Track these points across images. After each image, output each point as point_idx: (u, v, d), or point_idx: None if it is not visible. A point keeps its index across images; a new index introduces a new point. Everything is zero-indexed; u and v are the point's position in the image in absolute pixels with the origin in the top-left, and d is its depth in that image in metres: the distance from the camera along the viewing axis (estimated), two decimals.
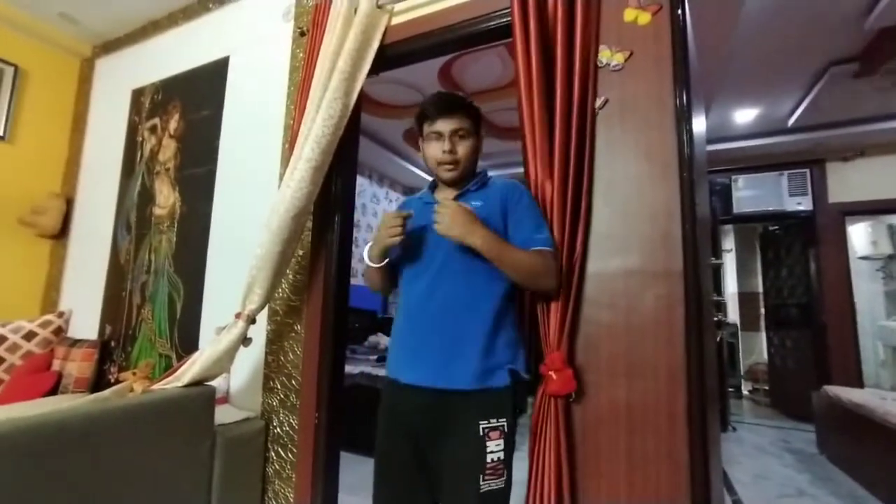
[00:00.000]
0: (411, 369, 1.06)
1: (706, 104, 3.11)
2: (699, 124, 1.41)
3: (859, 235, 4.34)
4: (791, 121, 3.58)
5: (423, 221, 1.12)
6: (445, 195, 1.17)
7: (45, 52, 2.68)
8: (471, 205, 1.09)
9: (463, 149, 1.13)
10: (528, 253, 1.04)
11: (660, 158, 1.19)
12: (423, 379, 1.03)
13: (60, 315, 2.43)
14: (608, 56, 1.29)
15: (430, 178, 1.25)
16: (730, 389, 4.72)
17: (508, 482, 0.99)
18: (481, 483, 0.94)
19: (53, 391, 2.12)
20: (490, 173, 1.20)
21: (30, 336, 2.27)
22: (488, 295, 1.05)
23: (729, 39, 2.40)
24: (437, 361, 1.02)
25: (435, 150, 1.13)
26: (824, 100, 3.16)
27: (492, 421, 0.98)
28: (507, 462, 0.98)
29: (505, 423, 0.99)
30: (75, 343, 2.26)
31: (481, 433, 0.96)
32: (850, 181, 3.96)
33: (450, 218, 1.00)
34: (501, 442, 0.98)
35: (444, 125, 1.12)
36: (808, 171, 4.09)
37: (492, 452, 0.96)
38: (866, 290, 4.28)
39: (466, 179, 1.17)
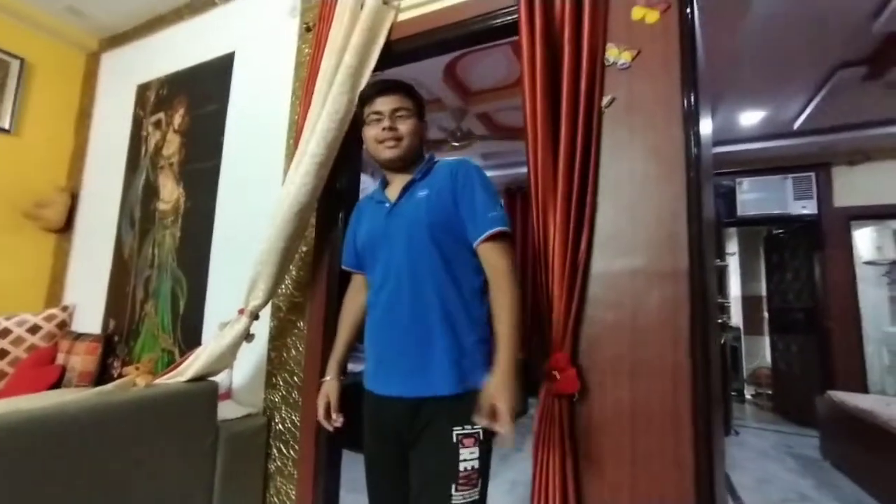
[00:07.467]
0: (383, 382, 1.03)
1: (712, 106, 3.09)
2: (706, 125, 1.40)
3: (864, 240, 4.31)
4: (797, 124, 3.56)
5: (377, 223, 1.09)
6: (394, 187, 1.11)
7: (51, 46, 2.69)
8: (417, 195, 1.05)
9: (405, 126, 1.08)
10: (506, 303, 0.94)
11: (667, 158, 1.19)
12: (395, 390, 1.00)
13: (64, 309, 2.44)
14: (615, 54, 1.28)
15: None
16: (732, 393, 4.70)
17: (483, 492, 0.93)
18: (453, 493, 0.89)
19: (57, 384, 2.13)
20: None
21: (34, 329, 2.28)
22: (453, 295, 0.99)
23: (736, 41, 2.39)
24: (406, 371, 0.99)
25: (375, 130, 1.08)
26: (831, 103, 3.14)
27: (466, 427, 0.92)
28: (482, 471, 0.92)
29: (480, 430, 0.92)
30: (79, 337, 2.26)
31: (455, 440, 0.91)
32: (855, 185, 3.94)
33: (508, 429, 0.85)
34: (476, 449, 0.92)
35: (384, 104, 1.07)
36: (813, 174, 4.07)
37: (465, 461, 0.90)
38: (872, 295, 4.24)
39: (412, 164, 1.11)
